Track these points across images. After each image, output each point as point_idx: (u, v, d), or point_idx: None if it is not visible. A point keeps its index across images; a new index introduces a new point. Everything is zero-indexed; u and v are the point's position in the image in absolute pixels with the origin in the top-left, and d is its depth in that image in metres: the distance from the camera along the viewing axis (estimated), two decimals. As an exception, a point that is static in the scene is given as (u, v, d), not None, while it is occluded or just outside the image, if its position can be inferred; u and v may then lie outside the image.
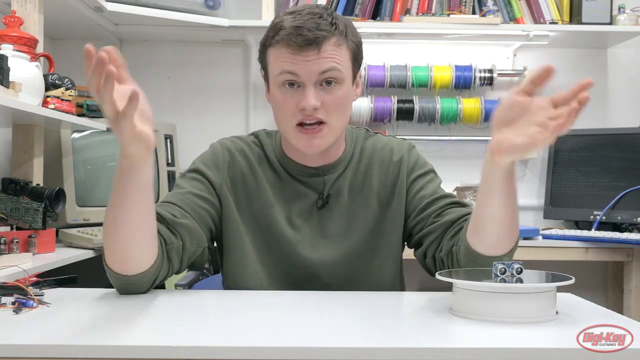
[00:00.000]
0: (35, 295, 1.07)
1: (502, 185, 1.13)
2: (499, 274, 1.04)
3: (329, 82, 1.28)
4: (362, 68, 1.41)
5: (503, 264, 1.05)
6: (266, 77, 1.36)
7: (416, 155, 1.44)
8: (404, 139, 1.48)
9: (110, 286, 1.23)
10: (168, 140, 2.58)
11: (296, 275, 1.35)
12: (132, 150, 1.06)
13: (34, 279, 1.21)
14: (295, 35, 1.25)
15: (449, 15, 2.75)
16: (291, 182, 1.38)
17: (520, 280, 1.03)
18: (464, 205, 1.35)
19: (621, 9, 2.74)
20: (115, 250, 1.16)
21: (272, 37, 1.29)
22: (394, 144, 1.44)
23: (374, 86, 2.88)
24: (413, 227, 1.38)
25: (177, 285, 1.90)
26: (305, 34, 1.25)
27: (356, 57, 1.34)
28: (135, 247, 1.17)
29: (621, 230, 2.61)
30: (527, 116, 1.05)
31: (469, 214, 1.25)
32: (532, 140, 1.03)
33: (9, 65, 1.74)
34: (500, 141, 1.07)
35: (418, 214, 1.36)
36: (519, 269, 1.04)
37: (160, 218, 1.24)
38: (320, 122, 1.29)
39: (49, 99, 1.96)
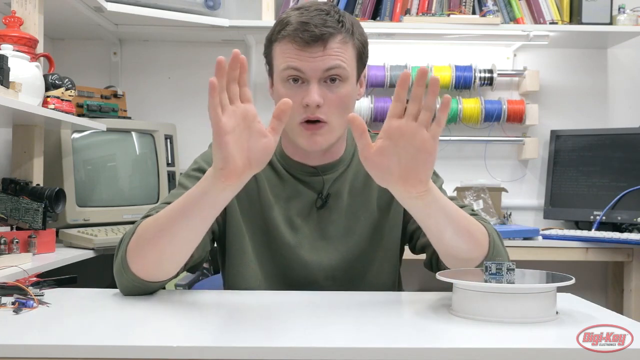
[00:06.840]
0: (35, 295, 1.07)
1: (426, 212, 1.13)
2: (490, 272, 1.05)
3: (332, 80, 1.28)
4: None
5: (495, 262, 1.05)
6: (270, 72, 1.35)
7: None
8: None
9: (110, 286, 1.22)
10: (168, 140, 2.58)
11: (294, 277, 1.34)
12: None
13: (34, 279, 1.21)
14: (301, 31, 1.25)
15: (449, 15, 2.75)
16: (290, 181, 1.38)
17: (513, 278, 1.04)
18: (461, 207, 1.31)
19: (621, 9, 2.74)
20: (153, 259, 1.14)
21: (278, 32, 1.29)
22: None
23: (374, 86, 2.88)
24: (413, 231, 1.37)
25: (177, 286, 1.90)
26: (311, 30, 1.24)
27: (361, 56, 1.34)
28: (178, 261, 1.16)
29: (621, 231, 2.61)
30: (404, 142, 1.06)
31: None
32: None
33: (9, 66, 1.74)
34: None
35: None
36: (510, 266, 1.04)
37: None
38: (320, 121, 1.29)
39: (49, 99, 1.96)
